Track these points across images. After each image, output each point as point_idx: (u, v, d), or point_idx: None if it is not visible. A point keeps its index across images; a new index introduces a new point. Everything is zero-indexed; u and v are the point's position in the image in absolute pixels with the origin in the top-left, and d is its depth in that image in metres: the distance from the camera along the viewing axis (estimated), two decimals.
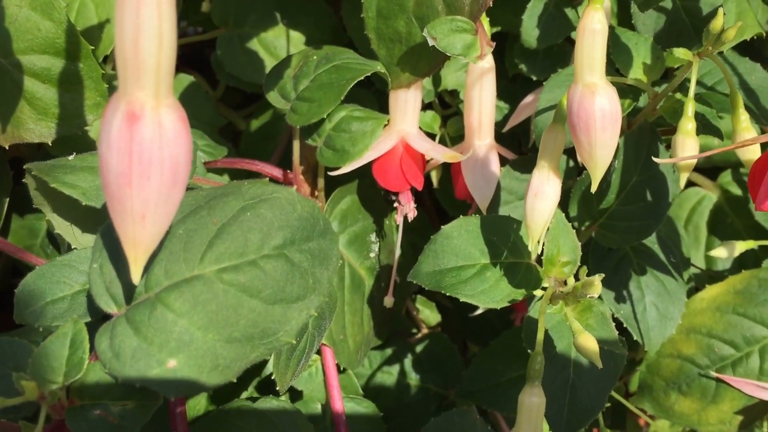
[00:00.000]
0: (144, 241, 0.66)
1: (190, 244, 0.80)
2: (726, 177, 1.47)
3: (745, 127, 0.95)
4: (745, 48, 1.23)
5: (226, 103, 1.51)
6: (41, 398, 0.79)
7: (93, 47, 1.01)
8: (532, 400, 0.84)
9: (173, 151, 0.64)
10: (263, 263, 0.80)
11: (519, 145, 1.32)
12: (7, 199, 1.23)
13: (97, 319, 0.86)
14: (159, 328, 0.76)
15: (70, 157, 0.95)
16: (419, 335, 1.46)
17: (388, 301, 1.17)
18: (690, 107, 0.96)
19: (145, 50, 0.62)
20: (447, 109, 1.32)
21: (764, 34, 1.25)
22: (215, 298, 0.78)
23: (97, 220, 0.96)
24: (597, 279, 0.85)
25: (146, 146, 0.63)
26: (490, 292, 0.97)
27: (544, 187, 0.90)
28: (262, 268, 0.80)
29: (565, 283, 0.96)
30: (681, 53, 0.98)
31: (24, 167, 0.93)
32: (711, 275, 1.42)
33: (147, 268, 0.70)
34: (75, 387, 0.82)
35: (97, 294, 0.81)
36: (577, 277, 0.96)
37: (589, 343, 0.84)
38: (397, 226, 1.16)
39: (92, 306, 0.85)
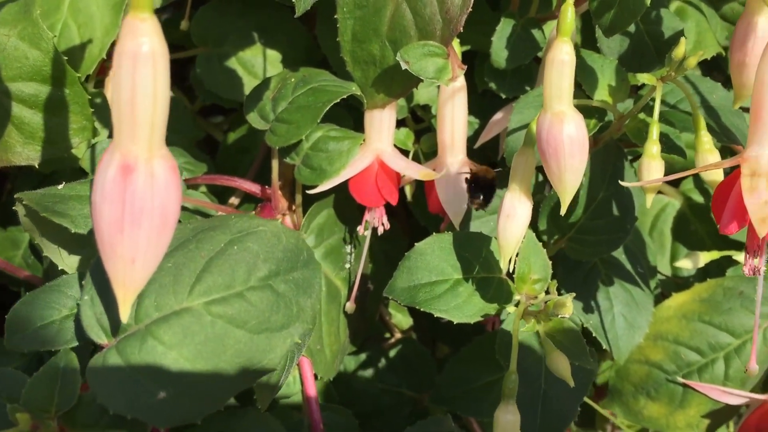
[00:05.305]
0: (133, 283, 0.68)
1: (179, 277, 0.82)
2: (688, 184, 1.48)
3: (708, 149, 0.97)
4: (707, 65, 1.26)
5: (204, 113, 1.52)
6: (34, 429, 0.81)
7: (77, 73, 1.03)
8: (507, 418, 0.86)
9: (163, 200, 0.66)
10: (249, 295, 0.83)
11: (489, 159, 1.33)
12: None
13: (85, 343, 0.88)
14: (149, 360, 0.79)
15: (60, 187, 0.97)
16: (392, 340, 1.47)
17: (350, 307, 1.20)
18: (655, 130, 0.98)
19: (139, 108, 0.65)
20: (420, 123, 1.34)
21: (723, 53, 1.28)
22: (203, 329, 0.80)
23: (82, 243, 0.99)
24: (568, 300, 0.87)
25: (138, 196, 0.65)
26: (463, 307, 0.98)
27: (516, 209, 0.91)
28: (248, 299, 0.83)
29: (536, 297, 0.98)
30: (645, 78, 1.01)
31: (15, 196, 0.95)
32: (677, 282, 1.44)
33: (137, 300, 0.73)
34: (66, 416, 0.83)
35: (87, 325, 0.83)
36: (547, 292, 0.99)
37: (561, 362, 0.87)
38: (364, 237, 1.18)
39: (80, 331, 0.87)
